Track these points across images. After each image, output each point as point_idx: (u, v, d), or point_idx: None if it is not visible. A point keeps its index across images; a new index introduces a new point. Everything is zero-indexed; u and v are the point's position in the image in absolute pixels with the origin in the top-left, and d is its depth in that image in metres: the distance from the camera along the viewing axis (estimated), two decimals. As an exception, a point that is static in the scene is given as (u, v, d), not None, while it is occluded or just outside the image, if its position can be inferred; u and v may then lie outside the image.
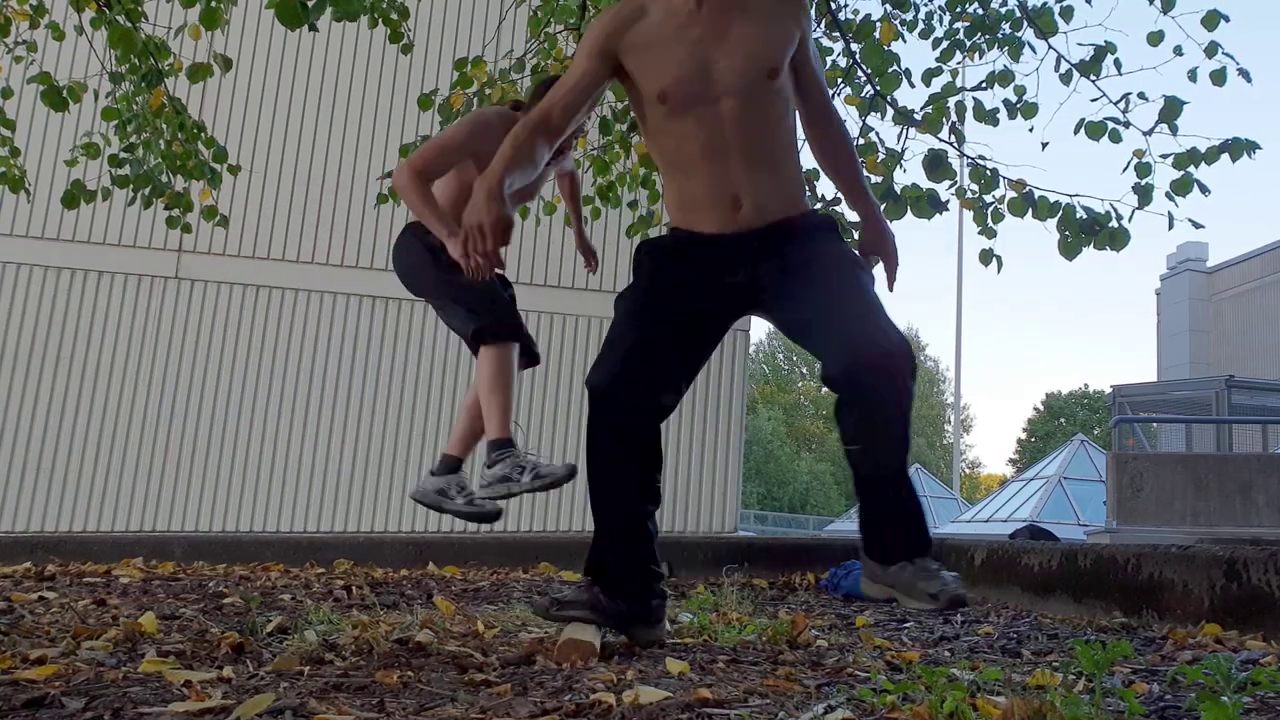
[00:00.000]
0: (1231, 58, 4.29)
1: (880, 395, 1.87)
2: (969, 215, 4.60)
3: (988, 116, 4.65)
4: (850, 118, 4.71)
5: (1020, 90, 4.79)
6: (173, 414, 7.74)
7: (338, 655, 1.87)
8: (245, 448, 7.80)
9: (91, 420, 7.64)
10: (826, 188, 5.88)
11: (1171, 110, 4.24)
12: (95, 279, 7.83)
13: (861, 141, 4.56)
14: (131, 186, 4.54)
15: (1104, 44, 4.60)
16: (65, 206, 4.47)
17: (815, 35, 4.93)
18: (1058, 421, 45.99)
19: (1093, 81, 4.56)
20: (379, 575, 3.70)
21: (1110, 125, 4.39)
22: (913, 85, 4.54)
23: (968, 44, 4.97)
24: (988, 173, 4.49)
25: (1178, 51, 4.37)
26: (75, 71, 7.19)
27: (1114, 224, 4.27)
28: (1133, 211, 4.31)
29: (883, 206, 4.28)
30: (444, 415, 8.07)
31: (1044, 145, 4.64)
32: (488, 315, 2.74)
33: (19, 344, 7.63)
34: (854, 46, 4.65)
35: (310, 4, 3.07)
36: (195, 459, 7.72)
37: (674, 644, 2.15)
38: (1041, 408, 47.76)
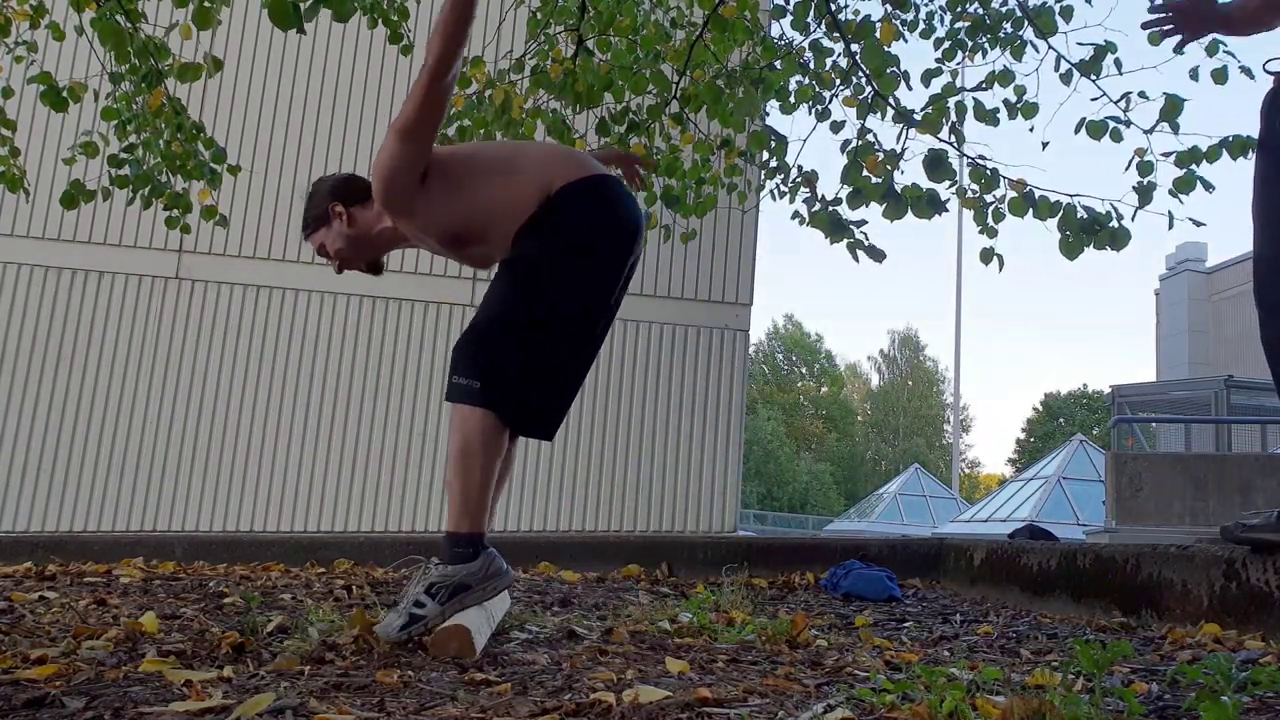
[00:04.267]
0: (1233, 55, 4.30)
1: None
2: (968, 215, 4.61)
3: (988, 116, 4.66)
4: (849, 118, 4.72)
5: (1020, 90, 4.80)
6: (173, 414, 7.74)
7: (338, 655, 1.87)
8: (246, 448, 7.81)
9: (91, 420, 7.64)
10: (826, 188, 5.89)
11: (1172, 108, 4.25)
12: (95, 279, 7.83)
13: (860, 142, 4.56)
14: (131, 187, 4.54)
15: (1104, 43, 4.61)
16: (64, 207, 4.47)
17: (815, 36, 4.96)
18: (1057, 421, 46.02)
19: (1093, 81, 4.57)
20: (379, 575, 3.70)
21: (1111, 124, 4.41)
22: (910, 88, 4.55)
23: (969, 44, 4.98)
24: (988, 173, 4.49)
25: (1178, 50, 4.37)
26: (75, 71, 7.20)
27: (1114, 223, 4.28)
28: (1135, 211, 4.32)
29: (883, 206, 4.30)
30: (444, 416, 8.08)
31: (1044, 145, 4.65)
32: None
33: (19, 344, 7.63)
34: (854, 47, 4.65)
35: (304, 6, 3.07)
36: (196, 459, 7.72)
37: (674, 644, 2.15)
38: (1040, 408, 47.79)
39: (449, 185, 2.28)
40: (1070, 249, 4.33)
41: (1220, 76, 4.35)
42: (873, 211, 4.38)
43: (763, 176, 5.08)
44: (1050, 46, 4.75)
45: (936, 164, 4.19)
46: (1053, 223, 4.35)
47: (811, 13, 4.80)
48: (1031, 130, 5.22)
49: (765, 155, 4.95)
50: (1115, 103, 4.43)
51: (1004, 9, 4.96)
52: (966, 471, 51.15)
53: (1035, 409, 48.00)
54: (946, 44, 5.04)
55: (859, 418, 54.99)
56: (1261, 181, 2.33)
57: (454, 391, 2.18)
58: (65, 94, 4.13)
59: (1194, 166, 4.27)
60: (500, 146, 2.43)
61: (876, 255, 4.33)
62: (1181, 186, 4.27)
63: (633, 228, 2.34)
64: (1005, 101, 4.76)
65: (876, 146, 4.51)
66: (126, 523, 7.56)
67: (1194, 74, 4.40)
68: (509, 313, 2.22)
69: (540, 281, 2.23)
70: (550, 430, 2.36)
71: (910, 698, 1.52)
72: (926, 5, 5.13)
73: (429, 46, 2.14)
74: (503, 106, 4.58)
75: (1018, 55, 4.93)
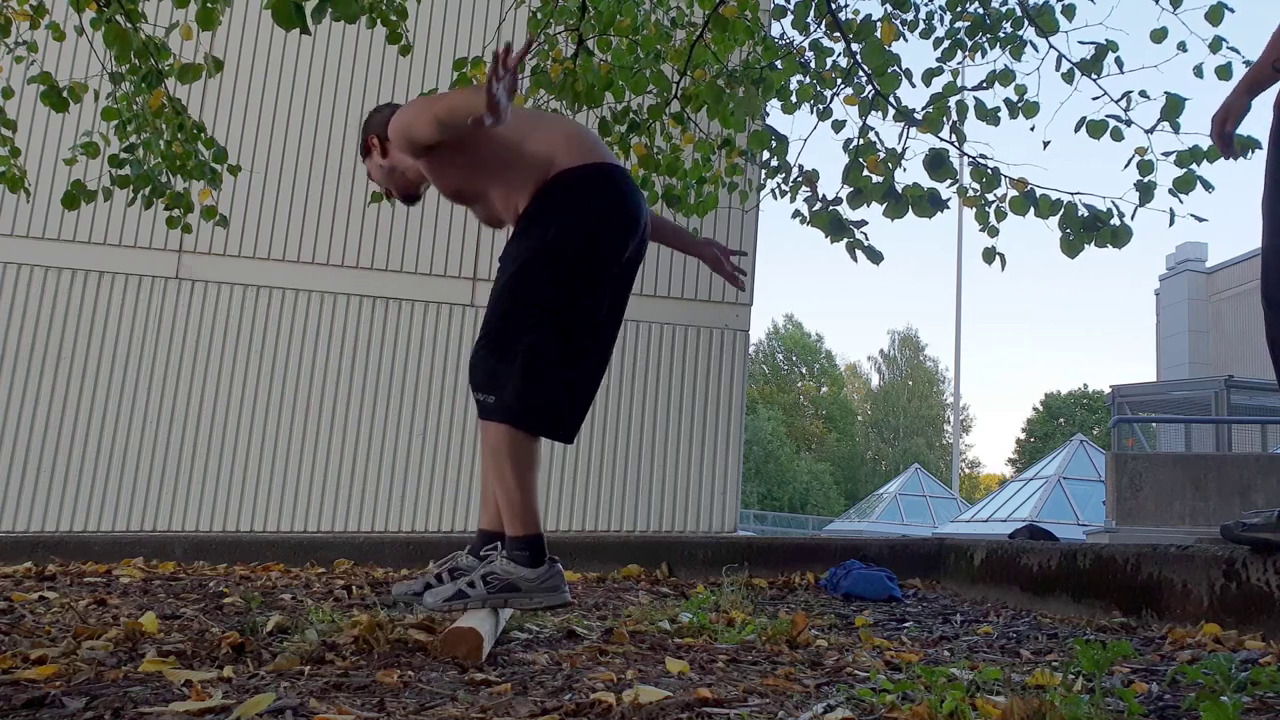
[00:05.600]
0: (1237, 51, 4.29)
1: None
2: (968, 215, 4.61)
3: (989, 116, 4.66)
4: (850, 118, 4.72)
5: (1021, 89, 4.80)
6: (173, 414, 7.74)
7: (338, 655, 1.87)
8: (245, 448, 7.80)
9: (91, 420, 7.64)
10: (827, 188, 5.88)
11: (1173, 108, 4.25)
12: (95, 279, 7.83)
13: (861, 141, 4.56)
14: (132, 187, 4.54)
15: (1105, 42, 4.60)
16: (65, 207, 4.46)
17: (816, 36, 4.95)
18: (1057, 422, 46.02)
19: (1094, 80, 4.57)
20: (379, 575, 3.70)
21: (1112, 123, 4.41)
22: (914, 85, 4.55)
23: (969, 43, 4.98)
24: (989, 172, 4.49)
25: (1182, 48, 4.38)
26: (75, 71, 7.20)
27: (1115, 222, 4.28)
28: (1135, 209, 4.32)
29: (884, 206, 4.30)
30: (444, 416, 8.08)
31: (1045, 144, 4.65)
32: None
33: (19, 344, 7.63)
34: (854, 47, 4.65)
35: (309, 6, 3.07)
36: (195, 459, 7.72)
37: (674, 644, 2.15)
38: (1041, 408, 47.77)
39: (459, 146, 2.34)
40: (1071, 247, 4.33)
41: (1225, 73, 4.35)
42: (873, 211, 4.38)
43: (764, 176, 5.08)
44: (1051, 45, 4.75)
45: (937, 163, 4.19)
46: (1053, 221, 4.35)
47: (812, 12, 4.80)
48: (1032, 129, 5.23)
49: (766, 155, 4.94)
50: (1116, 102, 4.43)
51: (1004, 8, 4.95)
52: (966, 471, 51.14)
53: (1035, 409, 48.00)
54: (946, 44, 5.03)
55: (859, 418, 54.97)
56: (1271, 177, 2.33)
57: (479, 408, 2.25)
58: (65, 94, 4.13)
59: (1194, 166, 4.27)
60: (518, 117, 2.41)
61: (874, 256, 4.32)
62: (1181, 186, 4.27)
63: (629, 221, 2.31)
64: (1006, 101, 4.76)
65: (878, 146, 4.51)
66: (126, 523, 7.56)
67: (1198, 71, 4.39)
68: (504, 319, 2.23)
69: (531, 285, 2.23)
70: (570, 433, 2.35)
71: (910, 698, 1.52)
72: (926, 5, 5.13)
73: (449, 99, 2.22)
74: (503, 106, 4.57)
75: (1018, 55, 4.93)
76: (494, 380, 2.21)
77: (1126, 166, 4.37)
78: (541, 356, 2.21)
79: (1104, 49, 4.59)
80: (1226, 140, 2.51)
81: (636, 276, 2.42)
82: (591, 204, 2.27)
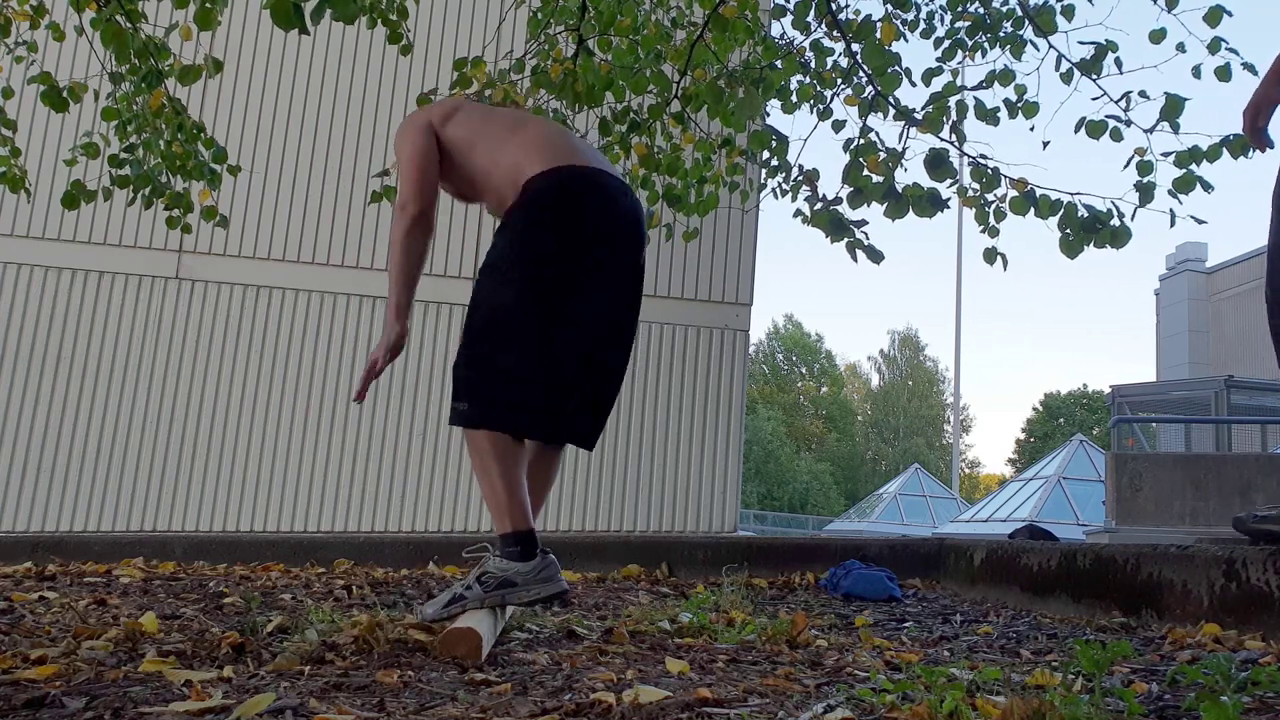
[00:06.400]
0: (1235, 53, 4.30)
1: None
2: (968, 215, 4.61)
3: (988, 116, 4.66)
4: (850, 118, 4.72)
5: (1021, 89, 4.81)
6: (173, 414, 7.74)
7: (338, 655, 1.87)
8: (245, 448, 7.80)
9: (91, 420, 7.64)
10: (827, 188, 5.88)
11: (1173, 108, 4.25)
12: (95, 279, 7.83)
13: (862, 141, 4.56)
14: (132, 187, 4.54)
15: (1105, 43, 4.61)
16: (65, 207, 4.46)
17: (816, 36, 4.95)
18: (1057, 422, 46.01)
19: (1094, 80, 4.58)
20: (379, 575, 3.70)
21: (1111, 123, 4.41)
22: (914, 84, 4.55)
23: (969, 43, 4.98)
24: (989, 172, 4.50)
25: (1180, 49, 4.38)
26: (75, 71, 7.20)
27: (1115, 222, 4.28)
28: (1135, 210, 4.32)
29: (884, 205, 4.30)
30: (444, 416, 8.08)
31: (1045, 144, 4.65)
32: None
33: (19, 344, 7.63)
34: (854, 47, 4.65)
35: (309, 7, 3.07)
36: (195, 459, 7.72)
37: (674, 644, 2.15)
38: (1040, 408, 47.76)
39: (451, 157, 2.44)
40: (1071, 247, 4.33)
41: (1223, 74, 4.35)
42: (873, 211, 4.38)
43: (764, 176, 5.08)
44: (1051, 45, 4.75)
45: (937, 163, 4.19)
46: (1053, 221, 4.36)
47: (812, 12, 4.80)
48: (1032, 129, 5.23)
49: (766, 154, 4.95)
50: (1116, 102, 4.43)
51: (1004, 8, 4.96)
52: (966, 471, 51.14)
53: (1035, 409, 47.98)
54: (946, 44, 5.04)
55: (859, 418, 54.97)
56: None
57: (452, 415, 2.25)
58: (65, 94, 4.13)
59: (1193, 166, 4.27)
60: (500, 124, 2.44)
61: (875, 256, 4.33)
62: (1181, 186, 4.27)
63: (602, 220, 2.29)
64: (1006, 101, 4.77)
65: (878, 146, 4.51)
66: (126, 523, 7.56)
67: (1196, 72, 4.39)
68: (473, 328, 2.26)
69: (498, 291, 2.24)
70: (565, 435, 2.33)
71: (910, 698, 1.52)
72: (927, 5, 5.13)
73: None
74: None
75: (1018, 54, 4.93)
76: (468, 386, 2.22)
77: (1126, 167, 4.37)
78: (510, 360, 2.21)
79: (1103, 49, 4.60)
80: (1260, 135, 2.52)
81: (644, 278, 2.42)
82: (560, 206, 2.26)
